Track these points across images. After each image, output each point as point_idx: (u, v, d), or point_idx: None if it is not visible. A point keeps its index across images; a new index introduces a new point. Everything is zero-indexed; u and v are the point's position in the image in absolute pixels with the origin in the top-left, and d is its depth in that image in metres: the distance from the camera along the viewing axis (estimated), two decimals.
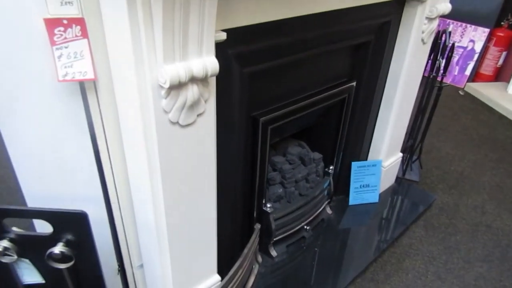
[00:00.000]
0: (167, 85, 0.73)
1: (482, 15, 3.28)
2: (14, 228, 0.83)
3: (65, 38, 0.77)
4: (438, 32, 1.81)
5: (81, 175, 1.00)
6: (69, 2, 0.74)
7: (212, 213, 1.10)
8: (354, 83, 1.52)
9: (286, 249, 1.55)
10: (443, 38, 1.77)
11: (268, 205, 1.41)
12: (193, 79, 0.78)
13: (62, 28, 0.76)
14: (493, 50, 3.29)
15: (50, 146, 0.97)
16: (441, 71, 1.81)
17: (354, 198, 1.82)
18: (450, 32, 1.82)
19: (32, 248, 0.83)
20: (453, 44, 1.77)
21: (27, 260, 0.86)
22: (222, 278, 1.22)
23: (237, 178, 1.23)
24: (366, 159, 1.84)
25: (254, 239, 1.36)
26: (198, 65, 0.76)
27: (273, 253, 1.51)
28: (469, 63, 3.35)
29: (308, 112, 1.36)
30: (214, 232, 1.14)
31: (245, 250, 1.29)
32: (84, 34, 0.78)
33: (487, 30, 3.25)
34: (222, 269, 1.24)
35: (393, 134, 1.76)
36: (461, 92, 3.31)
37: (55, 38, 0.77)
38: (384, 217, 1.79)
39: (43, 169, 1.02)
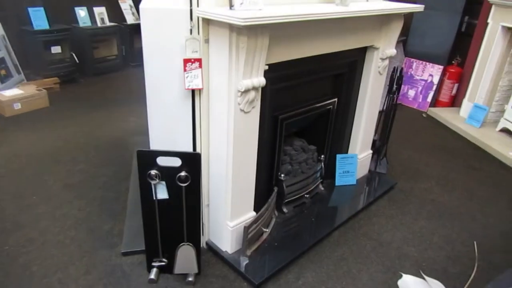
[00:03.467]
0: (242, 90, 1.51)
1: (437, 55, 4.19)
2: (160, 162, 1.57)
3: (191, 68, 1.56)
4: (394, 67, 2.64)
5: (182, 141, 1.75)
6: (196, 51, 1.53)
7: (253, 169, 1.84)
8: (336, 99, 2.32)
9: (293, 209, 2.28)
10: (397, 72, 2.60)
11: (282, 176, 2.16)
12: (253, 88, 1.56)
13: (190, 63, 1.55)
14: (447, 82, 4.17)
15: (170, 125, 1.74)
16: (396, 93, 2.63)
17: (339, 181, 2.57)
18: (402, 68, 2.65)
19: (167, 174, 1.57)
20: (401, 75, 2.59)
21: (163, 182, 1.59)
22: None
23: (265, 155, 1.99)
24: (346, 153, 2.60)
25: (274, 195, 2.09)
26: (256, 80, 1.55)
27: (285, 210, 2.24)
28: (430, 92, 4.22)
29: (306, 115, 2.14)
30: (253, 183, 1.88)
31: (269, 200, 2.03)
32: (200, 66, 1.56)
33: (441, 67, 4.14)
34: (255, 210, 1.97)
35: (364, 135, 2.54)
36: (424, 115, 4.14)
37: (186, 68, 1.55)
38: (359, 193, 2.54)
39: (164, 137, 1.78)
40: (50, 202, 2.33)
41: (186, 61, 1.53)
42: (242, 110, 1.60)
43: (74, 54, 4.36)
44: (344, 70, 2.27)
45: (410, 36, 4.38)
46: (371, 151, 2.71)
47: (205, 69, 1.58)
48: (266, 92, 1.77)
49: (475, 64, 3.84)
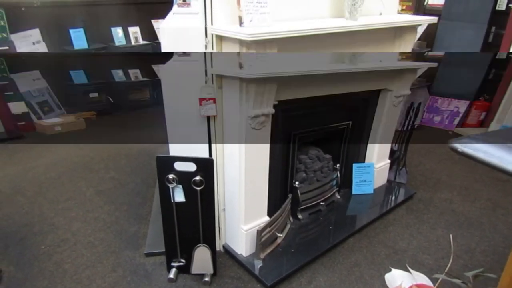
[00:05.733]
0: (252, 116, 1.63)
1: (463, 92, 4.17)
2: (177, 167, 1.70)
3: (205, 103, 1.69)
4: (412, 103, 2.70)
5: (199, 152, 1.87)
6: (210, 94, 1.67)
7: (265, 177, 1.93)
8: (350, 122, 2.38)
9: (308, 216, 2.34)
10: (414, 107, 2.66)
11: (297, 183, 2.23)
12: (262, 114, 1.67)
13: (205, 100, 1.68)
14: (474, 112, 4.11)
15: (188, 144, 1.87)
16: (412, 120, 2.67)
17: (356, 190, 2.61)
18: (420, 103, 2.70)
19: (184, 178, 1.69)
20: (418, 109, 2.64)
21: (180, 186, 1.71)
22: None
23: (278, 164, 2.07)
24: (363, 162, 2.64)
25: (288, 201, 2.17)
26: (265, 110, 1.67)
27: (300, 216, 2.30)
28: (455, 118, 4.17)
29: (320, 132, 2.23)
30: (266, 189, 1.97)
31: (283, 205, 2.10)
32: (214, 102, 1.70)
33: (467, 102, 4.10)
34: (270, 215, 2.05)
35: (380, 148, 2.57)
36: (450, 133, 4.08)
37: (202, 104, 1.69)
38: (376, 202, 2.56)
39: (181, 149, 1.92)
40: (83, 206, 2.51)
41: (201, 99, 1.71)
42: (253, 128, 1.72)
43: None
44: (358, 105, 2.36)
45: (435, 48, 4.34)
46: (388, 161, 2.73)
47: (218, 102, 1.75)
48: (279, 117, 1.90)
49: (506, 91, 3.76)
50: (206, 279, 1.85)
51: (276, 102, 1.76)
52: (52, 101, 4.38)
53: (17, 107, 3.92)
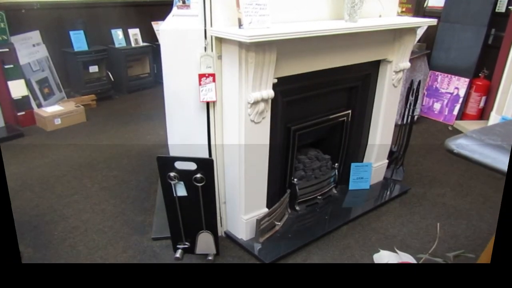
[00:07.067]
0: (251, 102, 2.00)
1: (463, 68, 4.56)
2: (178, 166, 2.08)
3: (206, 82, 2.08)
4: (411, 80, 3.08)
5: (199, 148, 2.25)
6: (209, 67, 2.05)
7: (265, 173, 2.30)
8: (350, 111, 2.76)
9: (305, 208, 2.72)
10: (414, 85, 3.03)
11: (295, 180, 2.62)
12: (262, 100, 2.05)
13: (205, 78, 2.07)
14: (474, 95, 4.51)
15: (187, 134, 2.25)
16: (412, 105, 3.05)
17: (353, 185, 2.99)
18: (419, 81, 3.08)
19: (186, 176, 2.05)
20: (418, 87, 3.02)
21: (182, 182, 2.08)
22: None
23: (278, 160, 2.44)
24: (362, 162, 3.02)
25: (286, 195, 2.55)
26: (265, 93, 2.04)
27: (297, 208, 2.68)
28: (456, 105, 4.57)
29: (319, 126, 2.60)
30: (265, 185, 2.34)
31: (282, 199, 2.49)
32: (214, 80, 2.08)
33: (467, 80, 4.50)
34: (269, 207, 2.43)
35: (380, 146, 2.96)
36: (450, 128, 4.49)
37: (201, 82, 2.07)
38: (371, 196, 2.94)
39: (181, 145, 2.29)
40: (90, 200, 2.90)
41: (201, 76, 2.03)
42: (252, 121, 2.06)
43: (110, 73, 5.10)
44: (358, 83, 2.70)
45: (435, 49, 4.79)
46: (386, 161, 3.11)
47: (218, 83, 2.06)
48: (277, 104, 2.22)
49: (502, 76, 4.17)
50: (210, 257, 2.23)
51: (276, 80, 2.02)
52: (52, 79, 4.76)
53: (17, 88, 4.25)
